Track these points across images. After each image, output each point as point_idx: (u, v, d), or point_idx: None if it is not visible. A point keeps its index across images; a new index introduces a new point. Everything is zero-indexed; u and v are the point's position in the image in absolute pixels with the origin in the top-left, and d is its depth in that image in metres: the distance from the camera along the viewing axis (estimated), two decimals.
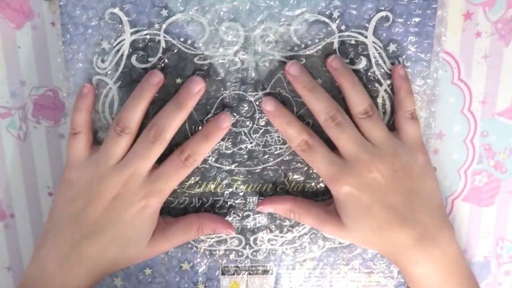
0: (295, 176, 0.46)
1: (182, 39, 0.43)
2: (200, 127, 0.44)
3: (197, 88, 0.42)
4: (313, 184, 0.46)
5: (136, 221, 0.42)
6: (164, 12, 0.42)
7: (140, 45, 0.43)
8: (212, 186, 0.46)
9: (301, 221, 0.45)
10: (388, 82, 0.44)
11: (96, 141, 0.44)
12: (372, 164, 0.41)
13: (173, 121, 0.41)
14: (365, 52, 0.43)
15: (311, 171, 0.46)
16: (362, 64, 0.43)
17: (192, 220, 0.44)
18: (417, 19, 0.43)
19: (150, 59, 0.43)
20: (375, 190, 0.41)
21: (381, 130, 0.42)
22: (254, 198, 0.46)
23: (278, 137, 0.45)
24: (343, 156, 0.42)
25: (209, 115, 0.44)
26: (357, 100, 0.42)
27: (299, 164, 0.45)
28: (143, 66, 0.43)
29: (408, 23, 0.43)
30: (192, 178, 0.46)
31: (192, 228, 0.44)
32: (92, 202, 0.41)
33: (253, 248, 0.48)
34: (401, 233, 0.41)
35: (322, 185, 0.46)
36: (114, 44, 0.43)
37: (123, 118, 0.41)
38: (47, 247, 0.42)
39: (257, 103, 0.44)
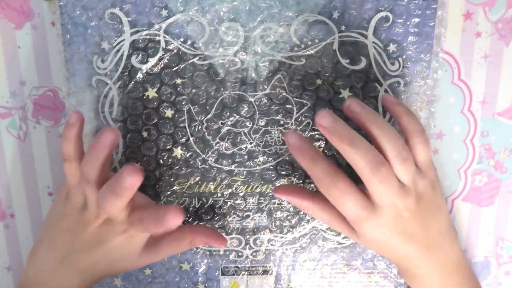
0: (295, 177, 0.46)
1: (182, 39, 0.43)
2: (200, 127, 0.44)
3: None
4: (312, 184, 0.46)
5: (122, 247, 0.42)
6: (164, 12, 0.42)
7: (140, 45, 0.43)
8: (212, 187, 0.46)
9: (315, 218, 0.44)
10: (388, 82, 0.44)
11: None
12: (404, 208, 0.40)
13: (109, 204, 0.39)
14: (365, 52, 0.43)
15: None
16: (362, 64, 0.43)
17: (184, 233, 0.44)
18: (417, 20, 0.43)
19: (150, 59, 0.43)
20: (397, 224, 0.40)
21: (413, 170, 0.40)
22: (254, 198, 0.46)
23: (278, 137, 0.45)
24: (372, 199, 0.39)
25: (209, 115, 0.44)
26: (390, 143, 0.39)
27: (299, 164, 0.45)
28: (143, 66, 0.43)
29: (408, 23, 0.43)
30: (192, 178, 0.46)
31: (185, 240, 0.44)
32: (81, 226, 0.41)
33: (253, 248, 0.48)
34: (411, 247, 0.41)
35: None
36: (114, 44, 0.43)
37: (84, 173, 0.40)
38: (43, 251, 0.42)
39: (257, 103, 0.44)
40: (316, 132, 0.45)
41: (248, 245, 0.48)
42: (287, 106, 0.44)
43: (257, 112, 0.44)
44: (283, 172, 0.46)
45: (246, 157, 0.45)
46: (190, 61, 0.43)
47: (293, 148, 0.39)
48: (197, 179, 0.46)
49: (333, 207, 0.42)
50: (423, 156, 0.42)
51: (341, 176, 0.39)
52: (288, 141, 0.39)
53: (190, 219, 0.47)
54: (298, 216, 0.47)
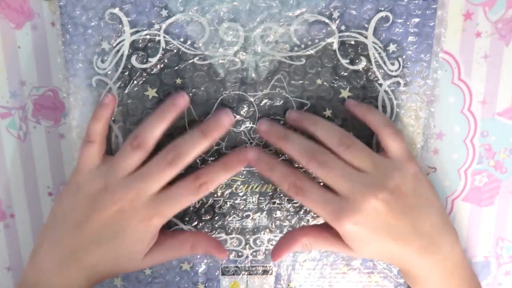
0: None
1: (182, 39, 0.43)
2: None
3: (227, 122, 0.42)
4: None
5: (135, 239, 0.41)
6: (164, 12, 0.42)
7: (140, 46, 0.43)
8: None
9: (313, 249, 0.44)
10: (388, 82, 0.44)
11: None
12: (371, 195, 0.39)
13: (194, 149, 0.41)
14: (365, 52, 0.43)
15: (310, 171, 0.45)
16: (362, 64, 0.43)
17: (187, 238, 0.44)
18: (417, 20, 0.43)
19: (150, 59, 0.43)
20: (376, 217, 0.40)
21: (367, 157, 0.41)
22: (254, 198, 0.46)
23: None
24: (338, 193, 0.40)
25: (209, 116, 0.44)
26: (328, 134, 0.41)
27: (299, 164, 0.45)
28: (143, 66, 0.43)
29: (408, 23, 0.43)
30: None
31: (186, 245, 0.44)
32: (97, 211, 0.41)
33: (253, 248, 0.48)
34: (406, 247, 0.41)
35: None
36: (114, 45, 0.43)
37: (142, 134, 0.41)
38: (46, 250, 0.42)
39: (257, 103, 0.44)
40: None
41: (248, 245, 0.48)
42: (287, 106, 0.44)
43: (257, 112, 0.44)
44: None
45: None
46: (190, 61, 0.43)
47: (252, 161, 0.43)
48: None
49: (323, 232, 0.43)
50: (396, 148, 0.42)
51: (302, 177, 0.42)
52: (245, 156, 0.43)
53: (190, 219, 0.47)
54: (298, 216, 0.47)
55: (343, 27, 0.43)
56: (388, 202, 0.40)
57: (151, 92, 0.44)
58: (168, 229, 0.46)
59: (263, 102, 0.44)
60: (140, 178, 0.41)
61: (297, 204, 0.47)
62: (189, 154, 0.41)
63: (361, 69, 0.43)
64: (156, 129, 0.41)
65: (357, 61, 0.43)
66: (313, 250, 0.45)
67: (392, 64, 0.44)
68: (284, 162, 0.44)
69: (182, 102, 0.42)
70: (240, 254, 0.48)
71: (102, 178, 0.41)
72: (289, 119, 0.43)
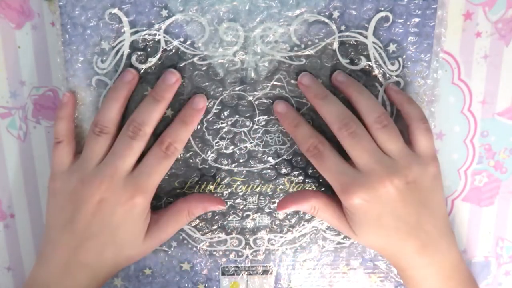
0: (295, 176, 0.46)
1: (181, 39, 0.43)
2: (200, 127, 0.44)
3: (173, 79, 0.42)
4: (313, 184, 0.46)
5: (127, 222, 0.41)
6: (164, 12, 0.42)
7: (140, 45, 0.43)
8: (212, 186, 0.46)
9: (317, 216, 0.44)
10: (388, 82, 0.44)
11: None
12: (387, 178, 0.40)
13: (151, 115, 0.41)
14: (365, 52, 0.43)
15: (310, 171, 0.46)
16: (362, 64, 0.43)
17: (180, 205, 0.44)
18: (417, 19, 0.43)
19: (149, 59, 0.43)
20: (386, 202, 0.40)
21: (397, 142, 0.41)
22: (254, 198, 0.46)
23: (278, 137, 0.45)
24: (356, 167, 0.41)
25: (209, 115, 0.44)
26: (369, 108, 0.41)
27: (299, 164, 0.45)
28: (143, 66, 0.43)
29: (408, 23, 0.43)
30: (192, 178, 0.46)
31: (182, 213, 0.44)
32: (80, 209, 0.41)
33: (253, 248, 0.48)
34: (406, 242, 0.41)
35: (321, 185, 0.46)
36: (114, 45, 0.43)
37: (101, 119, 0.41)
38: (48, 254, 0.42)
39: (257, 103, 0.44)
40: None
41: (248, 245, 0.48)
42: None
43: (257, 112, 0.44)
44: (283, 172, 0.46)
45: (246, 156, 0.45)
46: (189, 61, 0.43)
47: (279, 115, 0.43)
48: (197, 179, 0.46)
49: (333, 204, 0.43)
50: (424, 144, 0.42)
51: (325, 142, 0.42)
52: (275, 110, 0.43)
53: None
54: (298, 216, 0.47)
55: (343, 27, 0.43)
56: (402, 191, 0.40)
57: None
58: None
59: (263, 102, 0.44)
60: (109, 161, 0.41)
61: None
62: (148, 121, 0.41)
63: (361, 69, 0.43)
64: (112, 110, 0.41)
65: (357, 61, 0.43)
66: (317, 217, 0.45)
67: (392, 64, 0.44)
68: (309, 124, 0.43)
69: (129, 76, 0.42)
70: (240, 254, 0.48)
71: (75, 173, 0.41)
72: (335, 80, 0.43)
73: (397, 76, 0.44)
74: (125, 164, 0.41)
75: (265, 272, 0.49)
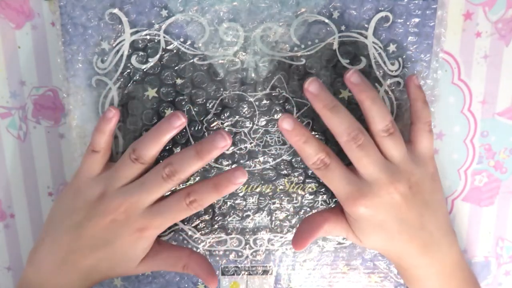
0: (295, 177, 0.46)
1: (182, 40, 0.43)
2: (200, 127, 0.44)
3: (222, 144, 0.40)
4: (313, 184, 0.46)
5: (127, 248, 0.41)
6: (164, 13, 0.42)
7: (140, 46, 0.43)
8: None
9: (329, 235, 0.45)
10: (388, 82, 0.44)
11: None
12: (391, 185, 0.40)
13: (189, 167, 0.40)
14: (365, 53, 0.43)
15: (310, 171, 0.46)
16: (362, 64, 0.43)
17: (183, 256, 0.44)
18: (417, 20, 0.43)
19: (150, 59, 0.43)
20: (390, 208, 0.40)
21: (401, 149, 0.41)
22: (254, 198, 0.46)
23: (278, 137, 0.45)
24: (361, 176, 0.41)
25: (209, 116, 0.44)
26: (379, 117, 0.40)
27: (299, 164, 0.45)
28: (143, 66, 0.43)
29: (408, 23, 0.43)
30: (192, 178, 0.46)
31: (179, 263, 0.44)
32: (92, 219, 0.41)
33: (253, 248, 0.48)
34: (410, 243, 0.41)
35: (321, 185, 0.46)
36: (114, 45, 0.43)
37: (140, 149, 0.41)
38: (44, 251, 0.42)
39: (257, 103, 0.44)
40: (315, 133, 0.45)
41: (248, 245, 0.48)
42: (287, 106, 0.44)
43: (257, 112, 0.44)
44: (283, 172, 0.46)
45: (246, 157, 0.45)
46: (190, 61, 0.43)
47: (286, 132, 0.41)
48: (197, 179, 0.46)
49: (340, 215, 0.43)
50: (424, 146, 0.42)
51: (331, 154, 0.41)
52: (281, 126, 0.40)
53: (190, 219, 0.47)
54: (298, 216, 0.47)
55: (343, 27, 0.43)
56: (405, 196, 0.40)
57: (151, 92, 0.44)
58: (167, 227, 0.46)
59: (263, 102, 0.44)
60: (135, 189, 0.41)
61: (297, 205, 0.47)
62: (183, 172, 0.40)
63: (361, 69, 0.43)
64: (152, 147, 0.41)
65: (357, 61, 0.43)
66: (327, 235, 0.45)
67: (392, 64, 0.44)
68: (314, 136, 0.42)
69: (177, 122, 0.40)
70: (240, 254, 0.48)
71: (101, 185, 0.42)
72: (349, 81, 0.41)
73: (397, 76, 0.44)
74: (149, 198, 0.41)
75: (265, 272, 0.49)
